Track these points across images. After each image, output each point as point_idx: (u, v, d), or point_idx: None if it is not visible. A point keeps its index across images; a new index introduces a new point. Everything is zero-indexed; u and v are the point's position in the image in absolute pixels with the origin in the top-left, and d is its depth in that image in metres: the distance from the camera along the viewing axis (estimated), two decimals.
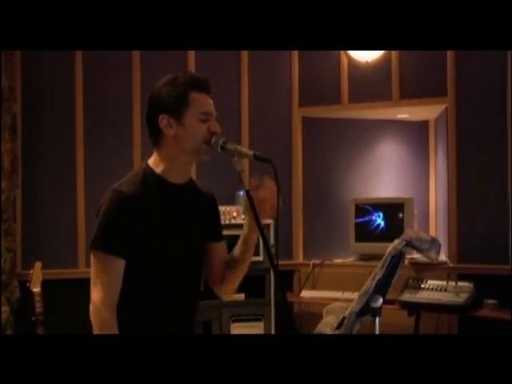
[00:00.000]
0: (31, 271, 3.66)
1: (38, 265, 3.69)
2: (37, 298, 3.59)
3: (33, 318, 3.55)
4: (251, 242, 2.03)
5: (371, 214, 4.50)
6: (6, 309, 3.98)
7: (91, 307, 1.87)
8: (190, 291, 2.03)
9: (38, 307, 3.57)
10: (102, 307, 1.85)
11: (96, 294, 1.86)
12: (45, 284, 3.68)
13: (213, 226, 2.11)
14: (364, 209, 4.53)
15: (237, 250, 2.07)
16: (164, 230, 1.93)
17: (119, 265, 1.87)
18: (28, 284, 3.63)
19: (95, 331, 1.86)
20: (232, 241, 4.02)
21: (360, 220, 4.52)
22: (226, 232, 4.27)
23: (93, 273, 1.89)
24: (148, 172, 1.96)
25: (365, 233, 4.49)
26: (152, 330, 1.92)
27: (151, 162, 1.99)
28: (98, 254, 1.88)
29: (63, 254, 4.25)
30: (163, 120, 1.92)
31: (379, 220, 4.48)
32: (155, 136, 1.96)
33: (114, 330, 1.84)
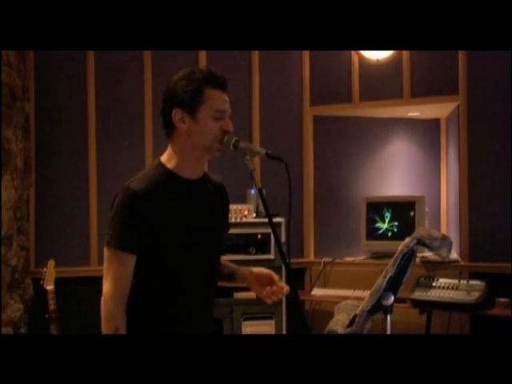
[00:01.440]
0: (44, 269, 3.70)
1: (51, 263, 3.73)
2: (50, 296, 3.62)
3: (46, 316, 3.59)
4: (236, 282, 2.17)
5: (382, 213, 4.50)
6: (19, 306, 4.02)
7: (102, 299, 1.92)
8: (206, 286, 2.04)
9: (52, 305, 3.60)
10: (110, 300, 1.89)
11: (106, 287, 1.91)
12: (58, 282, 3.71)
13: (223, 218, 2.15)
14: (375, 207, 4.52)
15: (225, 272, 2.15)
16: (178, 227, 1.94)
17: (129, 260, 1.91)
18: (41, 282, 3.67)
19: (102, 322, 1.90)
20: (243, 239, 4.07)
21: (371, 218, 4.52)
22: (237, 230, 4.32)
23: (105, 266, 1.94)
24: (160, 169, 1.97)
25: (376, 231, 4.49)
26: (169, 326, 1.95)
27: (164, 157, 2.00)
28: (110, 249, 1.93)
29: (76, 252, 4.28)
30: (177, 114, 1.93)
31: (390, 218, 4.47)
32: (168, 129, 1.98)
33: (120, 323, 1.88)
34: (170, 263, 1.95)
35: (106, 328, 1.89)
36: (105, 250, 1.94)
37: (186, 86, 1.92)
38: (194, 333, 1.97)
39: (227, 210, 2.18)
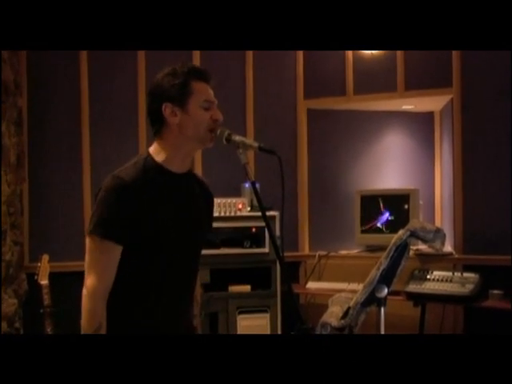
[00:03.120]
0: (39, 264, 3.69)
1: (46, 257, 3.72)
2: (44, 291, 3.61)
3: (41, 310, 3.58)
4: None
5: (377, 206, 4.50)
6: (14, 301, 4.01)
7: (84, 292, 1.88)
8: (187, 279, 2.04)
9: (46, 299, 3.59)
10: (95, 295, 1.86)
11: (90, 279, 1.87)
12: (52, 276, 3.70)
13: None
14: (369, 200, 4.53)
15: None
16: (163, 218, 1.93)
17: (116, 251, 1.88)
18: (36, 277, 3.66)
19: (84, 317, 1.86)
20: (237, 233, 4.07)
21: (365, 211, 4.53)
22: (231, 224, 4.32)
23: (88, 258, 1.90)
24: (149, 160, 1.96)
25: (370, 224, 4.50)
26: (148, 317, 1.94)
27: (152, 150, 1.99)
28: (95, 239, 1.88)
29: (70, 246, 4.27)
30: (167, 108, 1.93)
31: (384, 211, 4.48)
32: (158, 126, 1.96)
33: (103, 319, 1.86)
34: (155, 254, 1.92)
35: (87, 324, 1.86)
36: (88, 239, 1.89)
37: (173, 81, 1.92)
38: (172, 328, 1.96)
39: (212, 210, 2.17)
